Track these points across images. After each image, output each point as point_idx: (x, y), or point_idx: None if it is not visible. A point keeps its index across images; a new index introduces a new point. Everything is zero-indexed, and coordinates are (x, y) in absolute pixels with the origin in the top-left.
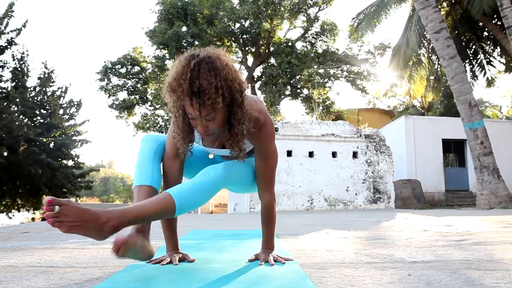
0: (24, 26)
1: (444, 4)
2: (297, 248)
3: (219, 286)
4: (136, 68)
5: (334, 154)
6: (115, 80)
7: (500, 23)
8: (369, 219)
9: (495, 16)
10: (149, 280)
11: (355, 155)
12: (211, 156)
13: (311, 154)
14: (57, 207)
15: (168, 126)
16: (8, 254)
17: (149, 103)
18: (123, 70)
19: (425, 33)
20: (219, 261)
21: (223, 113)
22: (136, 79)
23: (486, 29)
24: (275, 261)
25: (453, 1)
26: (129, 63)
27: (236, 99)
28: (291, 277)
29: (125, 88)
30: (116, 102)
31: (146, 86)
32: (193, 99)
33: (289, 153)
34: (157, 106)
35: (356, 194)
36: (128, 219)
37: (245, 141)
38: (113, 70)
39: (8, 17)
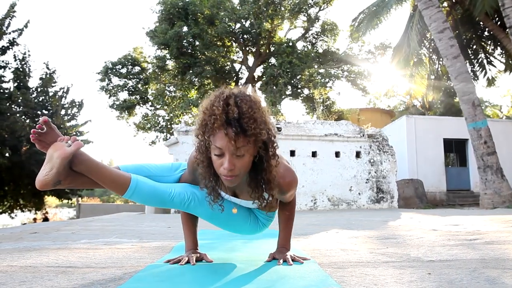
0: (25, 26)
1: (445, 3)
2: (310, 248)
3: (242, 285)
4: (137, 68)
5: (337, 154)
6: (115, 80)
7: (500, 23)
8: (375, 219)
9: (495, 15)
10: (173, 280)
11: (358, 155)
12: (234, 211)
13: (314, 154)
14: (46, 128)
15: (169, 126)
16: (23, 254)
17: (149, 103)
18: (123, 70)
19: (426, 32)
20: (235, 260)
21: (252, 154)
22: (137, 79)
23: (487, 28)
24: (293, 260)
25: (453, 0)
26: (129, 63)
27: (272, 141)
28: (313, 277)
29: (126, 88)
30: (117, 103)
31: (146, 86)
32: (228, 128)
33: (292, 153)
34: (158, 106)
35: (359, 194)
36: (86, 156)
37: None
38: (114, 70)
39: (9, 18)
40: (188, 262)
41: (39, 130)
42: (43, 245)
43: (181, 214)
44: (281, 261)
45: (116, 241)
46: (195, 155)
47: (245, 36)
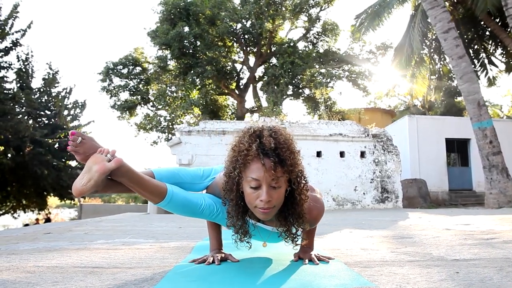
0: (29, 27)
1: (447, 3)
2: (329, 247)
3: (279, 285)
4: (138, 69)
5: (342, 154)
6: (116, 81)
7: (501, 22)
8: (384, 219)
9: (497, 15)
10: (206, 279)
11: (362, 154)
12: (264, 245)
13: (319, 154)
14: (79, 138)
15: (170, 127)
16: (45, 255)
17: (151, 103)
18: (124, 71)
19: (428, 32)
20: (261, 261)
21: (286, 186)
22: (138, 80)
23: (488, 28)
24: (319, 260)
25: (455, 0)
26: (130, 63)
27: (304, 175)
28: (344, 276)
29: (127, 88)
30: (118, 103)
31: (148, 86)
32: (264, 159)
33: None
34: (159, 107)
35: (364, 193)
36: (126, 168)
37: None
38: (115, 70)
39: (13, 18)
40: (213, 262)
41: (75, 142)
42: (61, 245)
43: None
44: (307, 260)
45: (133, 241)
46: (223, 194)
47: (246, 36)
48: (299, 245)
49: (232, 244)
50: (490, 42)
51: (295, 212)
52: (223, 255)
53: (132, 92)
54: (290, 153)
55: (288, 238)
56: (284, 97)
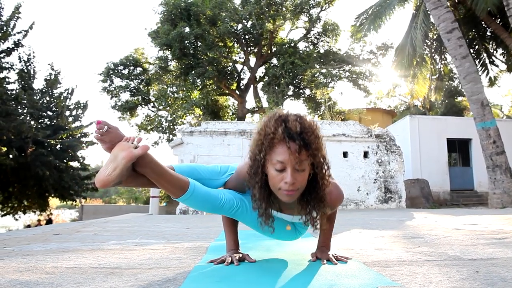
0: (30, 27)
1: (448, 3)
2: (343, 247)
3: (306, 285)
4: (138, 69)
5: (345, 154)
6: (117, 81)
7: (502, 22)
8: (390, 219)
9: (497, 15)
10: (231, 280)
11: (366, 155)
12: (288, 228)
13: None
14: (106, 127)
15: (171, 127)
16: (60, 255)
17: (151, 104)
18: (125, 71)
19: (428, 32)
20: (279, 261)
21: (309, 171)
22: (139, 80)
23: (489, 28)
24: (336, 259)
25: (456, 0)
26: (131, 64)
27: (326, 160)
28: (365, 275)
29: (128, 89)
30: (119, 103)
31: (148, 87)
32: (290, 142)
33: None
34: (160, 107)
35: (367, 194)
36: (150, 157)
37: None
38: (116, 71)
39: (14, 19)
40: (231, 262)
41: (102, 130)
42: (73, 246)
43: (222, 216)
44: (325, 260)
45: (144, 242)
46: (248, 179)
47: (246, 36)
48: (319, 229)
49: (247, 244)
50: (490, 42)
51: (317, 197)
52: (240, 255)
53: (133, 93)
54: (315, 138)
55: (308, 222)
56: (285, 97)
